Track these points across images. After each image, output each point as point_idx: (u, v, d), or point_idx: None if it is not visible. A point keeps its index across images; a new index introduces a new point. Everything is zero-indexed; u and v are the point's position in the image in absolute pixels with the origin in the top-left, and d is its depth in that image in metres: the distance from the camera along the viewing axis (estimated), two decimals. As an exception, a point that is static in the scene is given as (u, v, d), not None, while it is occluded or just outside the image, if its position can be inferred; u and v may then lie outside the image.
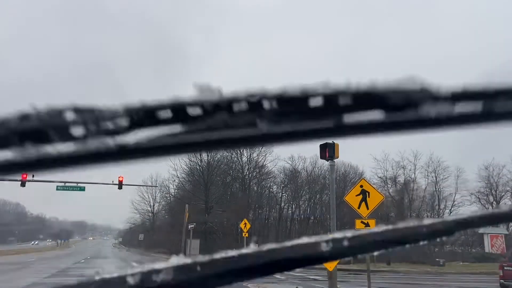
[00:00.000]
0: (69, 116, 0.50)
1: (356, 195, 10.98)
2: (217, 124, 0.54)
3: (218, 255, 0.54)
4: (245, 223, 26.32)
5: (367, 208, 10.77)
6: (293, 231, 47.26)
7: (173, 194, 56.49)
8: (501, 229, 39.17)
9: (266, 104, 0.55)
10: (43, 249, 75.93)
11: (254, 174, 49.92)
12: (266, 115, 0.55)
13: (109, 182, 32.71)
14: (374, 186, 12.77)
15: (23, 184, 28.44)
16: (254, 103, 0.54)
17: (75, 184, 32.61)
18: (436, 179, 44.98)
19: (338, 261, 10.46)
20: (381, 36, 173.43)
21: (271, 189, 50.69)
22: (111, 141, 0.52)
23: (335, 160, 11.82)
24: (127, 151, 0.53)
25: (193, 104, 0.53)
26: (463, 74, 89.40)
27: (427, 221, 0.64)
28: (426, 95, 0.57)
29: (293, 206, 49.72)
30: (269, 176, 50.01)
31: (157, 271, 0.50)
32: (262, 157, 49.32)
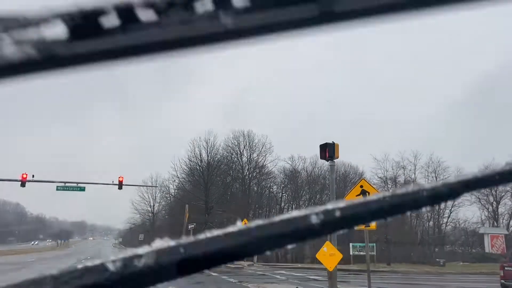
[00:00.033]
0: None
1: (356, 195, 10.98)
2: (174, 23, 0.46)
3: (202, 236, 0.51)
4: (245, 224, 26.34)
5: (367, 208, 10.78)
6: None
7: (173, 194, 56.54)
8: (501, 229, 39.25)
9: None
10: (43, 249, 76.02)
11: (254, 174, 49.92)
12: (230, 6, 0.46)
13: (109, 182, 32.80)
14: (374, 186, 12.78)
15: (23, 184, 28.33)
16: None
17: (75, 184, 32.55)
18: (436, 179, 45.02)
19: (338, 260, 10.48)
20: None
21: (271, 189, 50.78)
22: (37, 50, 0.44)
23: (335, 160, 11.85)
24: (58, 61, 0.45)
25: (144, 5, 0.45)
26: None
27: (428, 185, 0.59)
28: None
29: (293, 206, 49.67)
30: (269, 177, 50.07)
31: (139, 256, 0.47)
32: (262, 158, 49.46)
